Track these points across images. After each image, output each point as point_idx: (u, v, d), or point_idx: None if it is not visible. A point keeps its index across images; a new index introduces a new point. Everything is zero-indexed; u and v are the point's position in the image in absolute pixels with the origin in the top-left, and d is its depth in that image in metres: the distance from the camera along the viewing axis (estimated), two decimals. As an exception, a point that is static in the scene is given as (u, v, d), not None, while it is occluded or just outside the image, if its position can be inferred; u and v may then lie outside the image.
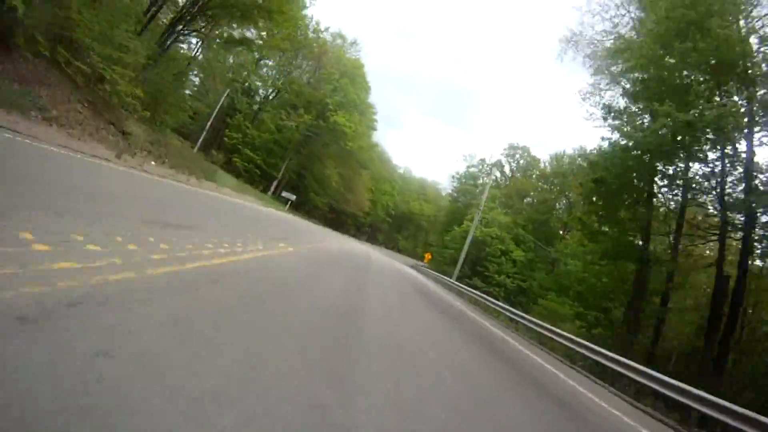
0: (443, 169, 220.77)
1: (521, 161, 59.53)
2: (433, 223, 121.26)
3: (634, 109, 20.66)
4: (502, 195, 51.30)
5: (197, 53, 38.17)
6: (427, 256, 54.56)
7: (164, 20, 25.09)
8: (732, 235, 17.14)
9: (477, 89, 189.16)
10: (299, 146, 50.61)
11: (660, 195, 20.58)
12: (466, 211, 57.36)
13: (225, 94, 50.40)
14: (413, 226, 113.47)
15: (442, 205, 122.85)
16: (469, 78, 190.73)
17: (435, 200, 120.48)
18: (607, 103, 22.15)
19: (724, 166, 17.13)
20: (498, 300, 26.46)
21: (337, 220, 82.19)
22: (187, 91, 47.98)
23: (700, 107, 15.25)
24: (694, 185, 18.40)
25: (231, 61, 57.03)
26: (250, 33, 28.07)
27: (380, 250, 63.18)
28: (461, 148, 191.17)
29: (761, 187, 15.33)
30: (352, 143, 48.09)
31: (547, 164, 58.71)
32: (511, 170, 57.99)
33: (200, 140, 45.76)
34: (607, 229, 21.82)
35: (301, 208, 62.81)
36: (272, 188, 47.59)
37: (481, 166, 65.32)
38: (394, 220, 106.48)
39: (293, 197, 47.86)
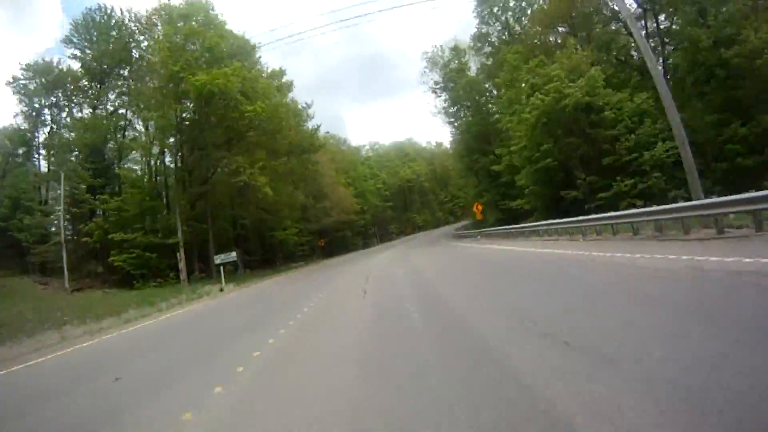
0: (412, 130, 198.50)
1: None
2: (434, 179, 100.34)
3: None
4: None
5: None
6: (478, 208, 33.36)
7: None
8: None
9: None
10: (195, 167, 28.95)
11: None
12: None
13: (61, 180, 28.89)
14: (416, 194, 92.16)
15: (432, 153, 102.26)
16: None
17: (419, 154, 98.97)
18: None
19: None
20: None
21: (334, 241, 61.04)
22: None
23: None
24: None
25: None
26: None
27: (402, 246, 42.33)
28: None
29: None
30: (270, 120, 26.51)
31: None
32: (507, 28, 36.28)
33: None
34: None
35: (267, 259, 41.36)
36: (182, 264, 26.06)
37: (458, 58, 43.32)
38: (394, 199, 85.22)
39: (233, 256, 26.54)
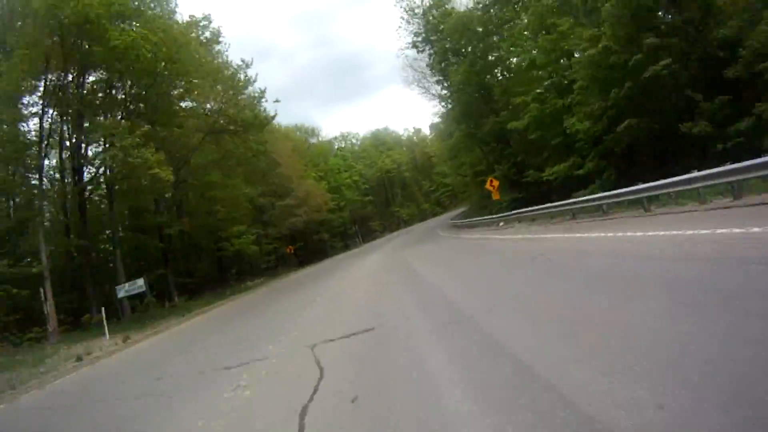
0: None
1: None
2: (416, 168, 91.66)
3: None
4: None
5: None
6: (494, 184, 24.51)
7: None
8: None
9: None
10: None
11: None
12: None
13: None
14: (398, 186, 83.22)
15: (411, 142, 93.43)
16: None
17: (398, 143, 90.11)
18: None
19: None
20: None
21: (309, 246, 51.52)
22: None
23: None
24: None
25: None
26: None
27: (390, 246, 33.99)
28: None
29: None
30: (169, 63, 16.88)
31: None
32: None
33: None
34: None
35: (222, 278, 31.66)
36: (50, 307, 16.07)
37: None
38: (374, 193, 76.09)
39: (139, 285, 16.96)
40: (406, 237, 41.45)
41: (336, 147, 73.18)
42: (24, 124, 17.94)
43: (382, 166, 75.40)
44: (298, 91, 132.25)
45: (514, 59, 25.15)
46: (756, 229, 4.96)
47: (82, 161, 18.51)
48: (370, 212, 76.25)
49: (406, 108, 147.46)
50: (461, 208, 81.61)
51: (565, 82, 17.99)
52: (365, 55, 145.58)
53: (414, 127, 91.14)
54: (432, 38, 32.92)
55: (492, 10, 25.13)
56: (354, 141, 79.35)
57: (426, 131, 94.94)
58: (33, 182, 18.34)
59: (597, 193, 13.31)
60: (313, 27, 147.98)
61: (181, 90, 18.71)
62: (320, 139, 72.30)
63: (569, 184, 18.70)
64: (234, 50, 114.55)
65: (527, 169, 23.85)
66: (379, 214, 78.03)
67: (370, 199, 72.45)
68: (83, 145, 17.84)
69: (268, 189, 38.29)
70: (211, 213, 25.00)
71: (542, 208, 16.73)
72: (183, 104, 21.39)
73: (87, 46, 16.41)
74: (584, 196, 14.58)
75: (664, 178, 9.62)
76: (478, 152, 33.64)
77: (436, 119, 50.14)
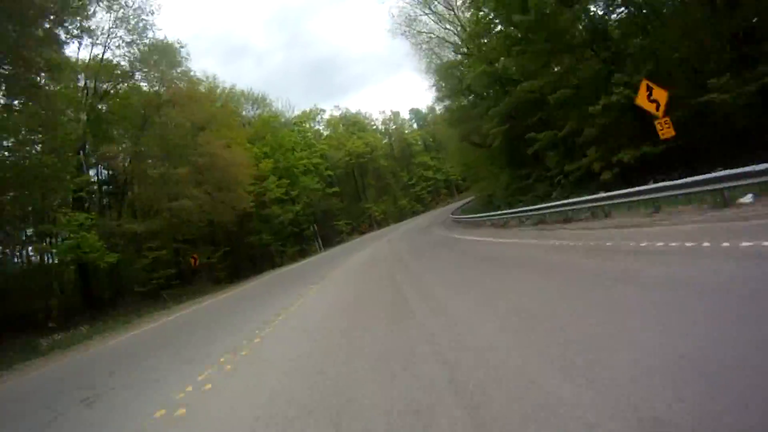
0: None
1: None
2: (392, 158, 76.96)
3: None
4: None
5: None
6: (667, 122, 9.41)
7: None
8: None
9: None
10: None
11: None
12: None
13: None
14: (372, 175, 67.98)
15: (387, 128, 78.59)
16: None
17: (372, 128, 75.03)
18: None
19: None
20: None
21: (242, 253, 35.48)
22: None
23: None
24: None
25: None
26: None
27: (367, 257, 19.73)
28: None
29: None
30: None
31: None
32: None
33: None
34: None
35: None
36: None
37: None
38: (342, 183, 60.62)
39: None
40: (390, 243, 26.47)
41: (294, 123, 56.90)
42: None
43: (351, 149, 59.82)
44: (272, 91, 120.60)
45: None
46: None
47: None
48: (334, 208, 60.51)
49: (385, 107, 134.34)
50: (446, 206, 67.60)
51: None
52: (340, 56, 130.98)
53: (391, 111, 76.55)
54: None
55: None
56: (318, 119, 63.40)
57: (405, 115, 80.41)
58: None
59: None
60: (287, 27, 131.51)
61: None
62: (270, 109, 55.88)
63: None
64: (210, 51, 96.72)
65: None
66: (347, 212, 62.39)
67: (335, 190, 56.78)
68: None
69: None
70: None
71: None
72: None
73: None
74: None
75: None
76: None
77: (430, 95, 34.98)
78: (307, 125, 62.99)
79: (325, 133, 61.52)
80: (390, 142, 75.26)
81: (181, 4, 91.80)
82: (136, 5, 23.33)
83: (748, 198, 6.50)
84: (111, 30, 22.94)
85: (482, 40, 22.83)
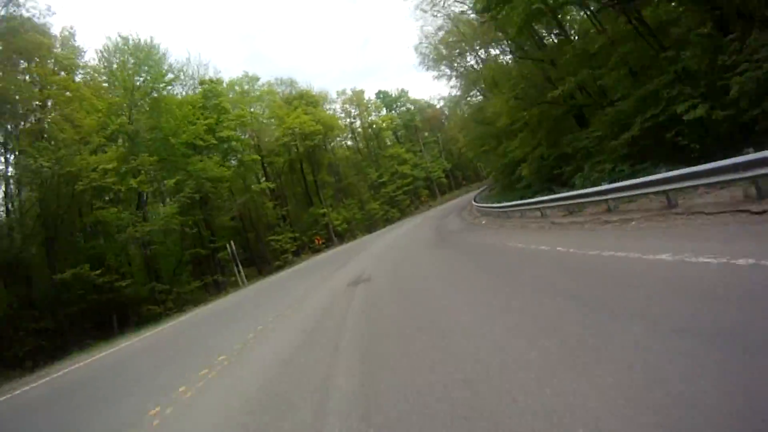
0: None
1: None
2: (356, 150, 58.34)
3: None
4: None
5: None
6: None
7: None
8: None
9: None
10: None
11: None
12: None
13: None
14: (329, 170, 48.81)
15: (355, 110, 59.55)
16: None
17: (330, 107, 55.99)
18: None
19: None
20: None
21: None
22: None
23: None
24: None
25: None
26: None
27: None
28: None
29: None
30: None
31: None
32: None
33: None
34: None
35: None
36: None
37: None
38: (284, 179, 41.18)
39: None
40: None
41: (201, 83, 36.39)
42: None
43: (294, 126, 40.09)
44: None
45: None
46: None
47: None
48: (267, 214, 40.62)
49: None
50: (428, 210, 49.44)
51: None
52: (302, 71, 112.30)
53: (354, 89, 57.83)
54: None
55: None
56: (255, 86, 43.01)
57: (371, 96, 62.11)
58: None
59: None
60: (248, 43, 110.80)
61: None
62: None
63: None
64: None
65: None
66: (291, 220, 42.63)
67: (269, 186, 37.03)
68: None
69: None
70: None
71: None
72: None
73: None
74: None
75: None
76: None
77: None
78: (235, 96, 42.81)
79: (257, 94, 41.41)
80: (352, 127, 56.61)
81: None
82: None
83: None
84: None
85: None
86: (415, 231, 25.01)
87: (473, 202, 29.41)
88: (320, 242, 40.08)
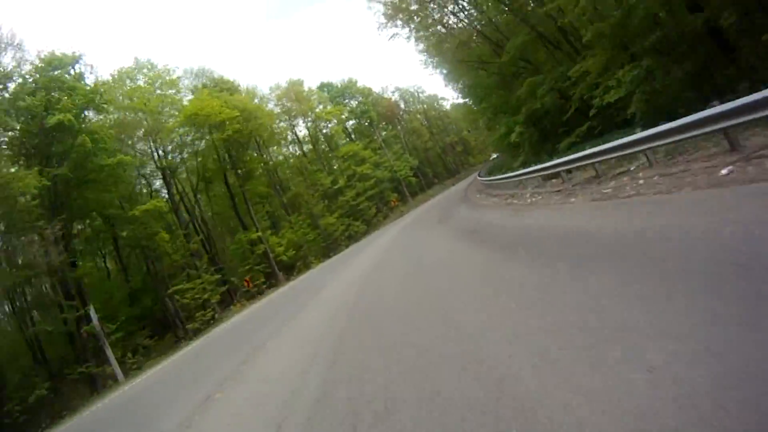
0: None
1: None
2: (302, 153, 46.07)
3: None
4: None
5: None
6: None
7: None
8: None
9: None
10: None
11: None
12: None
13: None
14: (264, 178, 36.41)
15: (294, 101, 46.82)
16: None
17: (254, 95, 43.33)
18: None
19: None
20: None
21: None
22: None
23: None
24: None
25: None
26: None
27: None
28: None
29: None
30: None
31: None
32: None
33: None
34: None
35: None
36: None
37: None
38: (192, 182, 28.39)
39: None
40: None
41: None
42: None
43: (199, 113, 27.27)
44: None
45: None
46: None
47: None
48: (179, 250, 27.71)
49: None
50: (400, 217, 38.28)
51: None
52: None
53: (288, 80, 45.84)
54: None
55: None
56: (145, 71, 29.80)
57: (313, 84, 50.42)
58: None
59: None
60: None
61: None
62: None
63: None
64: None
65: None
66: (216, 254, 29.84)
67: (157, 205, 24.23)
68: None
69: None
70: None
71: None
72: None
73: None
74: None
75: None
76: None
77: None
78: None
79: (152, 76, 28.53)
80: (292, 127, 44.64)
81: None
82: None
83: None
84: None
85: None
86: (392, 256, 13.68)
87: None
88: (251, 285, 27.52)
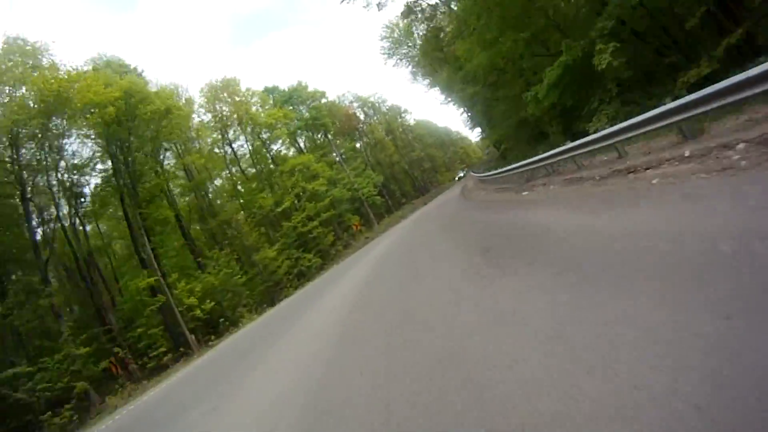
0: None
1: None
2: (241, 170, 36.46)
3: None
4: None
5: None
6: None
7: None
8: None
9: None
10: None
11: None
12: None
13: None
14: (148, 192, 26.74)
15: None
16: None
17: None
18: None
19: None
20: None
21: None
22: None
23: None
24: None
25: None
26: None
27: None
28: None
29: None
30: None
31: None
32: None
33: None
34: None
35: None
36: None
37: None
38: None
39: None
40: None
41: None
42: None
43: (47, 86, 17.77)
44: None
45: None
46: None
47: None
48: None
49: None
50: (365, 246, 29.65)
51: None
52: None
53: (221, 79, 36.83)
54: None
55: None
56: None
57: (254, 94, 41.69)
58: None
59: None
60: None
61: None
62: None
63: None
64: None
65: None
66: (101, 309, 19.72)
67: None
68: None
69: None
70: None
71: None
72: None
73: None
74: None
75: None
76: None
77: None
78: None
79: None
80: (224, 132, 35.32)
81: None
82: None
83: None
84: None
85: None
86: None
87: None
88: (117, 370, 17.86)
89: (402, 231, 23.58)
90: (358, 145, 51.99)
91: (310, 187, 32.47)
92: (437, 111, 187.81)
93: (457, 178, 58.43)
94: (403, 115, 67.16)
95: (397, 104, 68.68)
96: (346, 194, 38.42)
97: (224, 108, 36.68)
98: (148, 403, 13.14)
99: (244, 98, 37.51)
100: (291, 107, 44.57)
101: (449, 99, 35.84)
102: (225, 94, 36.54)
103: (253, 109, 38.70)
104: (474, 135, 57.32)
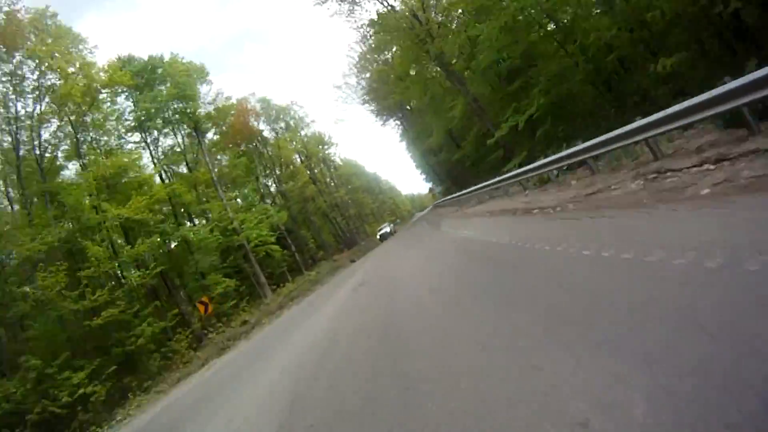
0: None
1: None
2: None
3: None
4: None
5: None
6: None
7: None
8: None
9: None
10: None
11: None
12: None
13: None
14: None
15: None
16: None
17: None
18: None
19: None
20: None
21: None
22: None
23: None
24: None
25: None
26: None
27: None
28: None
29: None
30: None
31: None
32: None
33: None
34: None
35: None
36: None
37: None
38: None
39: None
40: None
41: None
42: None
43: None
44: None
45: None
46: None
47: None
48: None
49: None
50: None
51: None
52: None
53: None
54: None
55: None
56: None
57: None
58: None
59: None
60: None
61: None
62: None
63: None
64: None
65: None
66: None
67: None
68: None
69: None
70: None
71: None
72: None
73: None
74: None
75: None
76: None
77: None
78: None
79: None
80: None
81: None
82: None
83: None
84: None
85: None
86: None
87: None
88: None
89: (318, 317, 8.40)
90: (259, 151, 33.55)
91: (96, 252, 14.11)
92: (368, 156, 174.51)
93: (378, 236, 36.65)
94: (326, 147, 51.03)
95: (322, 131, 53.68)
96: (213, 241, 20.40)
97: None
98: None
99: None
100: (149, 88, 26.47)
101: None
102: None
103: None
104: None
